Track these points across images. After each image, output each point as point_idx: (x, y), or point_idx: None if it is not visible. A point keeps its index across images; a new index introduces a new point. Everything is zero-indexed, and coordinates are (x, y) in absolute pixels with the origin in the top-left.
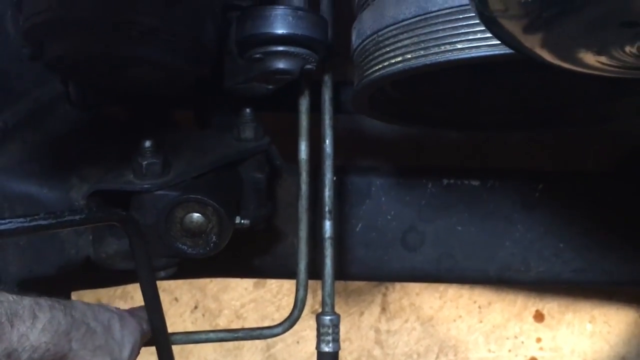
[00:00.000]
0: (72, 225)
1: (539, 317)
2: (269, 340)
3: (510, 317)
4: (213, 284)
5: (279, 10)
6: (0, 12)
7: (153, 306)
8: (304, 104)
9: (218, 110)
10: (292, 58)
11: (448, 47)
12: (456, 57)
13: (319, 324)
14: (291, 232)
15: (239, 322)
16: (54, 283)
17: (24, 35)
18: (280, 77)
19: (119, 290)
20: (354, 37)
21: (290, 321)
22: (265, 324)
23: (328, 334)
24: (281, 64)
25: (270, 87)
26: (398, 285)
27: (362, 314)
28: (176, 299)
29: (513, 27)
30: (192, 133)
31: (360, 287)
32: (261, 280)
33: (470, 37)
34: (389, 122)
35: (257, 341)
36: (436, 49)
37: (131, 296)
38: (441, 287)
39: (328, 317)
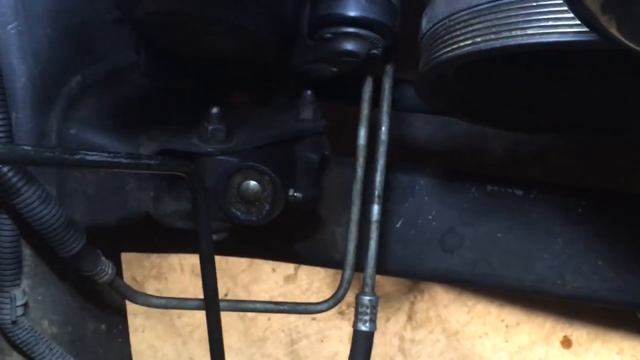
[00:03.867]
0: (148, 168)
1: (566, 342)
2: (294, 335)
3: (537, 339)
4: (245, 274)
5: None
6: None
7: (208, 261)
8: (367, 91)
9: (277, 92)
10: (360, 40)
11: (519, 32)
12: (526, 42)
13: (358, 303)
14: (332, 222)
15: (266, 314)
16: (111, 237)
17: None
18: (346, 59)
19: (154, 270)
20: (424, 22)
21: (335, 299)
22: (292, 319)
23: (366, 314)
24: (349, 46)
25: (335, 69)
26: (427, 295)
27: (388, 319)
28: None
29: (592, 4)
30: (253, 110)
31: (389, 293)
32: (292, 276)
33: (542, 24)
34: (446, 113)
35: (281, 335)
36: (507, 34)
37: (165, 277)
38: (470, 301)
39: (367, 298)
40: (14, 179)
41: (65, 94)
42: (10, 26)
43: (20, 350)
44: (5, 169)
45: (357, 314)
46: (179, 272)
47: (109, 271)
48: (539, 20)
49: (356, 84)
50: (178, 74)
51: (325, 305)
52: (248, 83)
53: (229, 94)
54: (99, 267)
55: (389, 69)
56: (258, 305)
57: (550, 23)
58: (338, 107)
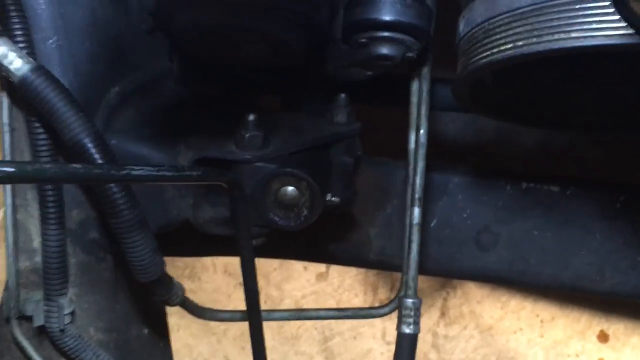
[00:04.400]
0: (191, 180)
1: (603, 337)
2: (327, 332)
3: (572, 334)
4: (277, 273)
5: None
6: None
7: (249, 267)
8: (415, 95)
9: (309, 97)
10: (395, 44)
11: (562, 36)
12: (570, 45)
13: (401, 306)
14: (366, 222)
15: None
16: None
17: (155, 6)
18: (381, 63)
19: (188, 270)
20: (461, 26)
21: (395, 303)
22: None
23: (410, 316)
24: (385, 50)
25: (370, 73)
26: (460, 291)
27: (421, 315)
28: (240, 284)
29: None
30: (287, 115)
31: (422, 290)
32: (324, 274)
33: (586, 27)
34: (484, 114)
35: (314, 332)
36: (549, 37)
37: (198, 277)
38: (504, 297)
39: (410, 300)
40: (120, 200)
41: (105, 105)
42: (50, 41)
43: (68, 358)
44: (114, 188)
45: (400, 316)
46: (212, 272)
47: (180, 294)
48: (583, 23)
49: (390, 85)
50: (211, 80)
51: (387, 309)
52: (280, 87)
53: (261, 98)
54: (173, 291)
55: (425, 71)
56: (321, 313)
57: (594, 26)
58: (360, 107)
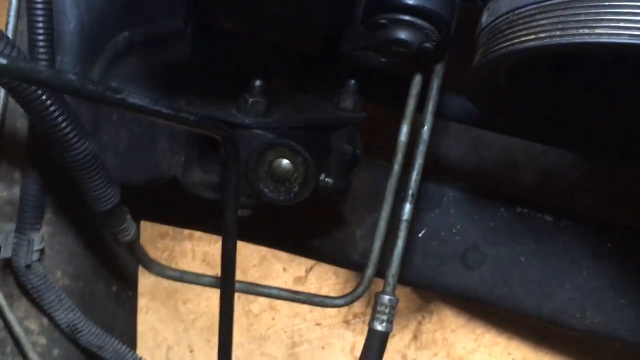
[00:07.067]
0: (186, 123)
1: None
2: (296, 338)
3: None
4: (255, 270)
5: None
6: None
7: (231, 230)
8: (415, 87)
9: (318, 82)
10: (415, 30)
11: (587, 31)
12: (594, 41)
13: (377, 302)
14: (354, 222)
15: (271, 312)
16: (133, 202)
17: None
18: (397, 49)
19: (166, 253)
20: (485, 17)
21: (353, 296)
22: (296, 322)
23: (384, 313)
24: (403, 35)
25: (384, 60)
26: (435, 316)
27: (393, 335)
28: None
29: None
30: (294, 93)
31: (397, 309)
32: (302, 278)
33: (612, 24)
34: (489, 114)
35: (283, 336)
36: (573, 31)
37: (176, 262)
38: (479, 329)
39: (387, 297)
40: (69, 133)
41: (112, 47)
42: None
43: (30, 297)
44: (64, 124)
45: (374, 312)
46: (190, 258)
47: (132, 232)
48: (610, 20)
49: (400, 84)
50: (222, 51)
51: (342, 301)
52: (290, 71)
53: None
54: (124, 225)
55: (438, 68)
56: (274, 291)
57: (621, 24)
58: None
